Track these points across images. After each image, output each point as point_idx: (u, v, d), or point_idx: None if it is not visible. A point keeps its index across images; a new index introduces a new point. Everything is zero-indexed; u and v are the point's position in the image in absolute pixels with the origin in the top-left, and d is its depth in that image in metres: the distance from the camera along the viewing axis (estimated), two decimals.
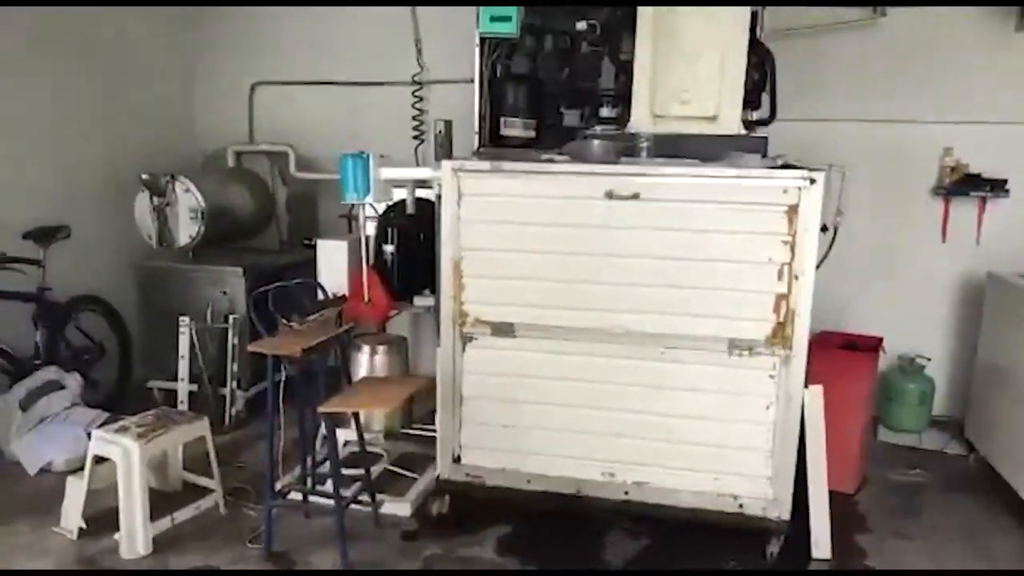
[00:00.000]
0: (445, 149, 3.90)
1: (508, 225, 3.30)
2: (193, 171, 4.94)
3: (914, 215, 4.76)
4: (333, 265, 4.07)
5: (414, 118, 5.34)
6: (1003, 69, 4.47)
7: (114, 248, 4.94)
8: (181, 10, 5.57)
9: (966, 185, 4.58)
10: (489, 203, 3.31)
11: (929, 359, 4.61)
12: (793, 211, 3.03)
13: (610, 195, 3.17)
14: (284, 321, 3.17)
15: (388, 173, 3.76)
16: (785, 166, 3.28)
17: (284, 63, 5.63)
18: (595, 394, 3.33)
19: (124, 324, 4.88)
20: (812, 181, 2.99)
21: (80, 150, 4.86)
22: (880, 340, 4.26)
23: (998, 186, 4.55)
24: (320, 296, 3.43)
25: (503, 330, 3.36)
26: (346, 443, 3.86)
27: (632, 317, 3.25)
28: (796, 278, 3.08)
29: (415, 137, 5.35)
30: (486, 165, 3.29)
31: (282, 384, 3.16)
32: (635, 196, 3.16)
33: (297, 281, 3.25)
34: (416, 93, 5.35)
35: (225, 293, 4.59)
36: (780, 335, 3.14)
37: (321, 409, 2.98)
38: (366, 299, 3.91)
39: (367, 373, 3.90)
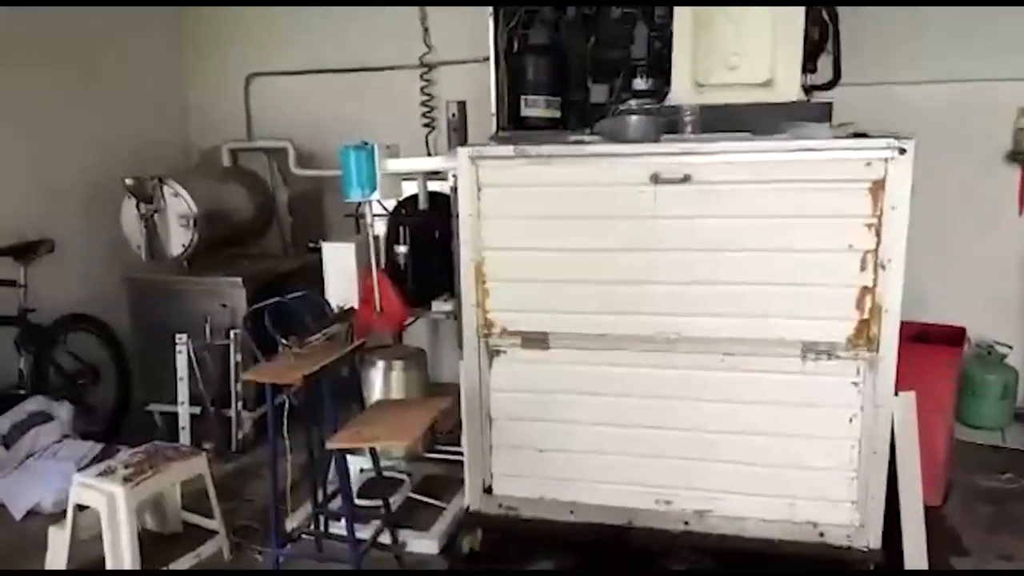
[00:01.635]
0: (460, 135, 3.44)
1: (537, 219, 2.84)
2: (186, 173, 4.52)
3: (986, 185, 4.24)
4: (340, 270, 3.64)
5: (423, 103, 4.88)
6: None
7: (105, 261, 4.54)
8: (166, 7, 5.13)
9: None
10: (513, 194, 2.85)
11: (1011, 347, 4.09)
12: (879, 187, 2.53)
13: (656, 179, 2.70)
14: (284, 342, 2.73)
15: (396, 165, 3.31)
16: (858, 135, 2.78)
17: (280, 52, 5.19)
18: (645, 411, 2.87)
19: (120, 344, 4.48)
20: (902, 151, 2.50)
21: (62, 153, 4.45)
22: (962, 331, 3.75)
23: None
24: (325, 310, 2.97)
25: (535, 341, 2.91)
26: (362, 470, 3.43)
27: (686, 320, 2.78)
28: (882, 267, 2.59)
29: (426, 125, 4.89)
30: (508, 150, 2.82)
31: (286, 407, 2.75)
32: (686, 179, 2.68)
33: (295, 295, 2.80)
34: (424, 76, 4.89)
35: (225, 306, 4.18)
36: (864, 335, 2.65)
37: (329, 445, 2.55)
38: (378, 308, 3.46)
39: (382, 394, 3.46)
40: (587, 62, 3.65)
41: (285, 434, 2.78)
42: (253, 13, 5.16)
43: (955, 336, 3.70)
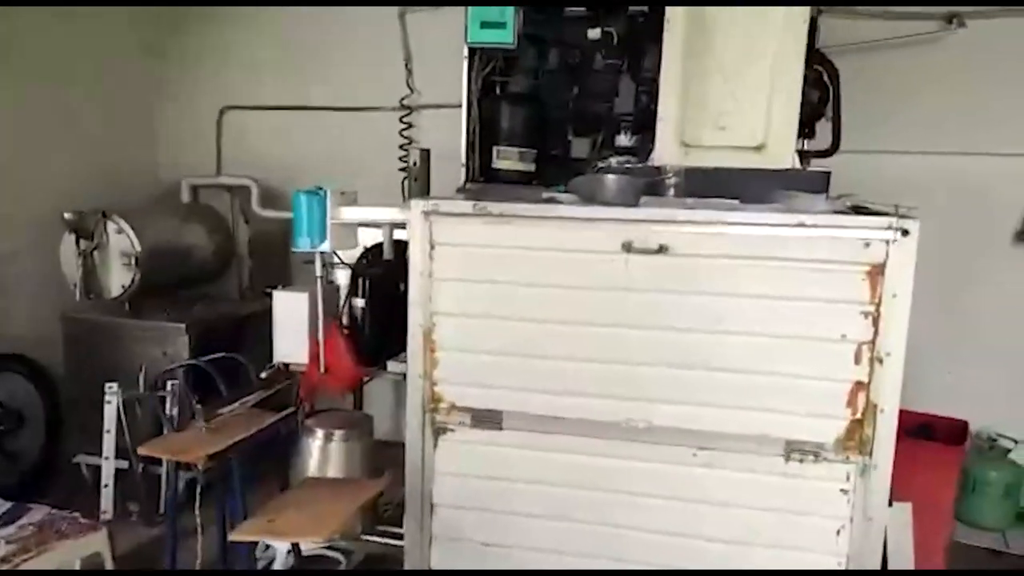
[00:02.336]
0: (421, 185, 3.16)
1: (496, 284, 2.54)
2: (137, 209, 4.22)
3: (993, 267, 3.96)
4: (291, 322, 3.32)
5: (402, 147, 4.62)
6: None
7: (50, 299, 4.19)
8: (141, 23, 4.90)
9: None
10: (471, 255, 2.55)
11: (1016, 441, 3.77)
12: (878, 272, 2.24)
13: (629, 248, 2.40)
14: (200, 406, 2.40)
15: (350, 214, 3.01)
16: (857, 210, 2.51)
17: (257, 86, 4.95)
18: (605, 507, 2.53)
19: (54, 387, 4.13)
20: (904, 232, 2.21)
21: (15, 184, 4.13)
22: (964, 425, 3.43)
23: None
24: (253, 373, 2.65)
25: (487, 420, 2.58)
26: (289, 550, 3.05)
27: (657, 407, 2.46)
28: (879, 361, 2.28)
29: (402, 169, 4.63)
30: (467, 206, 2.53)
31: (198, 485, 2.41)
32: (661, 250, 2.38)
33: (213, 357, 2.48)
34: (404, 119, 4.64)
35: (165, 354, 3.84)
36: (856, 437, 2.33)
37: (232, 536, 2.19)
38: (322, 368, 3.14)
39: (318, 468, 3.10)
40: (568, 114, 3.40)
41: (197, 511, 2.44)
42: (231, 44, 4.94)
43: (956, 431, 3.37)
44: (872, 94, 3.82)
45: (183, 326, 3.86)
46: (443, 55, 4.32)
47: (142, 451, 2.28)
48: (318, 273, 3.16)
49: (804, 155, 2.91)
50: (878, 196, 2.88)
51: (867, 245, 2.24)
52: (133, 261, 3.78)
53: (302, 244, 3.05)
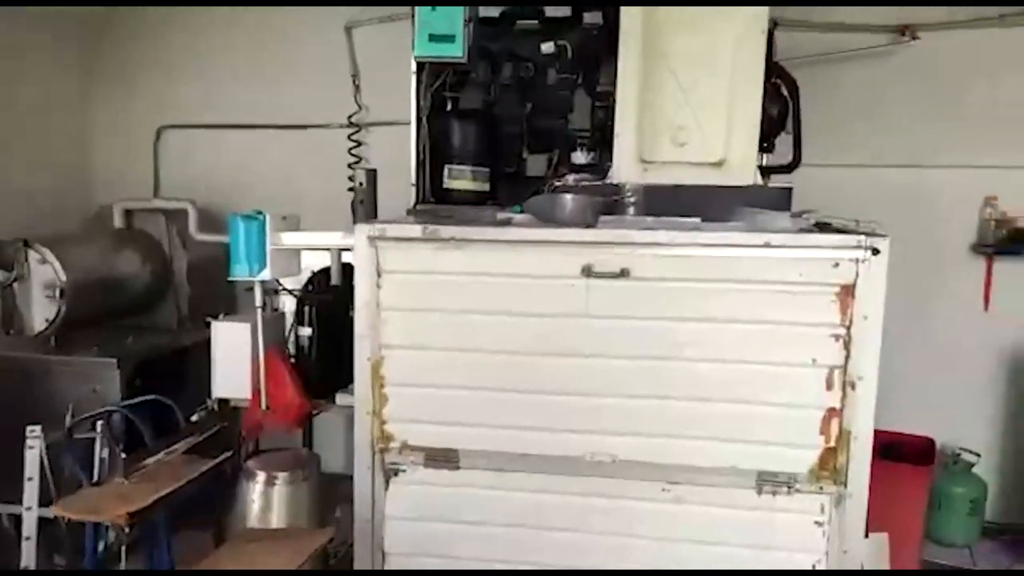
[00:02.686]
0: (367, 207, 2.98)
1: (448, 314, 2.38)
2: (63, 236, 3.94)
3: (950, 278, 3.94)
4: (232, 354, 3.11)
5: (351, 166, 4.42)
6: None
7: None
8: (75, 34, 4.61)
9: (1016, 242, 3.76)
10: (421, 283, 2.38)
11: (979, 455, 3.73)
12: (848, 293, 2.14)
13: (588, 272, 2.27)
14: (124, 456, 2.18)
15: (292, 239, 2.82)
16: (822, 227, 2.42)
17: (196, 103, 4.70)
18: (573, 549, 2.37)
19: None
20: (874, 251, 2.12)
21: None
22: (931, 443, 3.37)
23: None
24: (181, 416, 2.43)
25: (442, 459, 2.41)
26: None
27: (622, 440, 2.32)
28: (851, 386, 2.18)
29: (351, 189, 4.43)
30: (415, 230, 2.36)
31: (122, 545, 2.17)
32: (622, 273, 2.25)
33: (136, 401, 2.26)
34: (353, 137, 4.45)
35: (95, 391, 3.56)
36: (830, 466, 2.23)
37: None
38: (263, 405, 2.93)
39: (259, 518, 2.87)
40: (523, 130, 3.26)
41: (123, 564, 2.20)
42: (168, 59, 4.69)
43: (924, 449, 3.31)
44: (827, 108, 3.77)
45: (114, 361, 3.58)
46: (392, 70, 4.14)
47: (55, 511, 2.04)
48: (257, 303, 2.96)
49: (765, 171, 2.82)
50: (835, 211, 2.82)
51: (836, 265, 2.14)
52: (58, 293, 3.50)
53: (239, 272, 2.85)
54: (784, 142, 3.04)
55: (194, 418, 2.54)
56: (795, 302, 2.18)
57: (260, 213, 2.83)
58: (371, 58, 4.41)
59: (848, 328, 2.15)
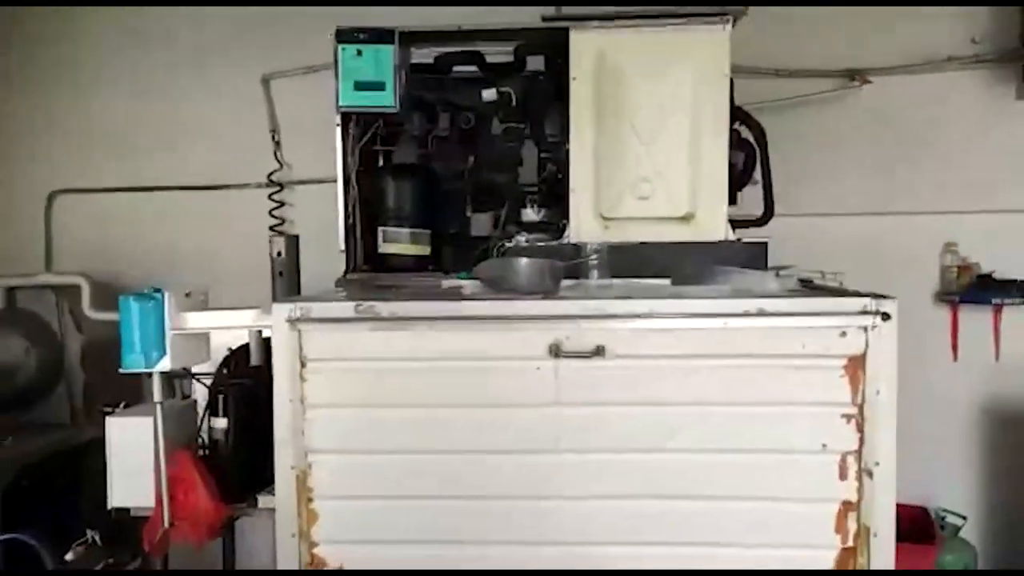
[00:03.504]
0: (288, 281, 2.57)
1: (389, 409, 1.97)
2: None
3: (917, 328, 3.73)
4: (132, 454, 2.59)
5: (272, 229, 4.00)
6: (1006, 146, 3.63)
7: None
8: None
9: (979, 290, 3.62)
10: (355, 372, 1.98)
11: (964, 518, 3.49)
12: (857, 366, 1.85)
13: (556, 351, 1.90)
14: None
15: (197, 320, 2.37)
16: (805, 284, 2.15)
17: (94, 165, 4.19)
18: None
19: None
20: (884, 316, 1.83)
21: None
22: (925, 513, 3.10)
23: (1016, 288, 3.60)
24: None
25: None
26: None
27: (601, 551, 1.94)
28: (868, 474, 1.87)
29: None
30: (346, 308, 1.97)
31: None
32: (598, 352, 1.90)
33: None
34: (274, 197, 4.03)
35: None
36: (849, 569, 1.89)
37: None
38: (166, 522, 2.42)
39: None
40: (465, 186, 2.93)
41: None
42: (62, 117, 4.19)
43: (920, 521, 3.03)
44: (778, 156, 3.60)
45: None
46: (316, 124, 3.78)
47: None
48: (156, 398, 2.48)
49: (735, 224, 2.56)
50: (793, 262, 2.61)
51: (843, 334, 1.84)
52: None
53: (132, 363, 2.37)
54: (749, 194, 2.80)
55: (69, 556, 2.02)
56: (798, 378, 1.87)
57: (157, 291, 2.38)
58: (292, 112, 4.03)
59: (860, 407, 1.85)
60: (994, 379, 3.69)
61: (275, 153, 4.07)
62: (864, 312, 1.83)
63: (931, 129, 3.65)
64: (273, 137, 4.08)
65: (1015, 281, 3.61)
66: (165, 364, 2.37)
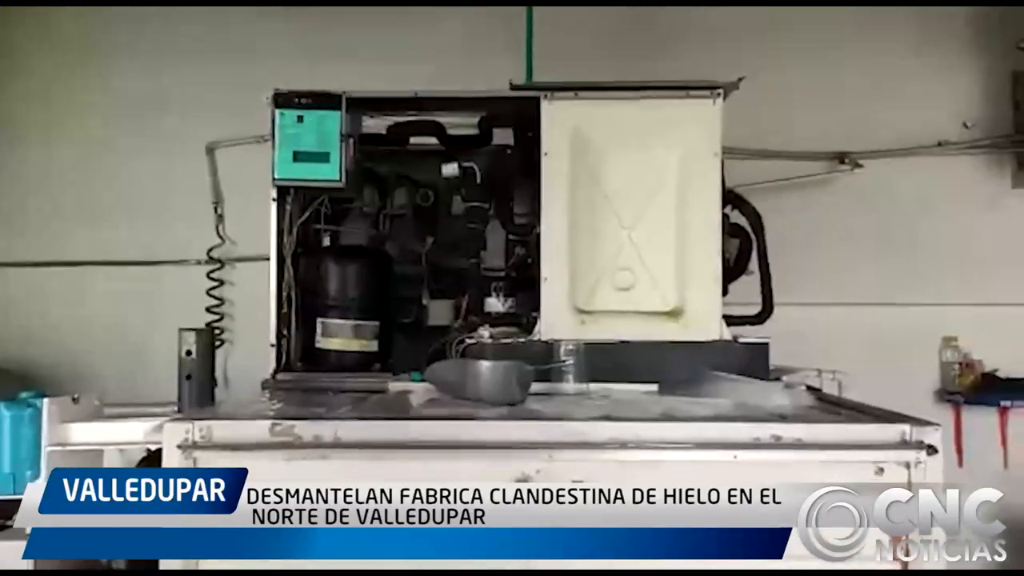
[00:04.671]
0: (198, 386, 2.14)
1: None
2: None
3: None
4: None
5: (211, 310, 3.58)
6: (1003, 235, 3.41)
7: None
8: None
9: (985, 390, 3.32)
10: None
11: None
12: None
13: (526, 483, 1.51)
14: None
15: (82, 434, 1.93)
16: (823, 397, 1.81)
17: (25, 237, 3.74)
18: None
19: None
20: (931, 450, 1.48)
21: None
22: None
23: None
24: None
25: None
26: None
27: None
28: None
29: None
30: (258, 429, 1.55)
31: None
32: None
33: None
34: (213, 275, 3.62)
35: None
36: None
37: None
38: None
39: None
40: (422, 271, 2.57)
41: None
42: None
43: None
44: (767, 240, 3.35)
45: None
46: (263, 197, 3.43)
47: None
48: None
49: (728, 321, 2.22)
50: (785, 354, 2.29)
51: (879, 471, 1.48)
52: None
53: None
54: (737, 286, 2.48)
55: None
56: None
57: (39, 396, 1.95)
58: (236, 183, 3.67)
59: (904, 561, 1.47)
60: (1003, 488, 3.36)
61: (217, 227, 3.70)
62: (905, 444, 1.48)
63: (924, 217, 3.43)
64: (216, 210, 3.71)
65: (1022, 380, 3.32)
66: (39, 483, 1.91)
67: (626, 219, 2.25)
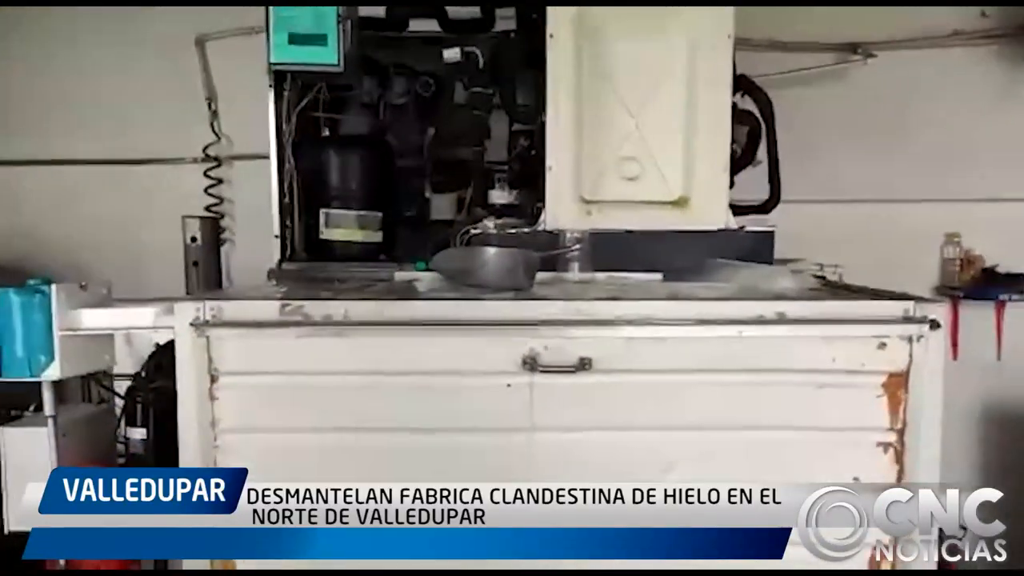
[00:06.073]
0: (204, 272, 2.16)
1: (323, 434, 1.58)
2: None
3: None
4: (30, 473, 2.17)
5: (209, 209, 3.54)
6: (1016, 130, 3.34)
7: None
8: None
9: (983, 284, 3.35)
10: (280, 390, 1.58)
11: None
12: (899, 384, 1.52)
13: (532, 365, 1.54)
14: None
15: (93, 319, 1.95)
16: (828, 283, 1.82)
17: (19, 136, 3.67)
18: None
19: None
20: (934, 324, 1.50)
21: None
22: None
23: (1022, 283, 3.34)
24: None
25: None
26: None
27: None
28: None
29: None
30: (269, 309, 1.57)
31: None
32: (583, 365, 1.53)
33: None
34: (210, 173, 3.57)
35: None
36: None
37: None
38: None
39: None
40: (424, 163, 2.54)
41: None
42: None
43: None
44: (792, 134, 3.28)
45: None
46: (258, 92, 3.35)
47: None
48: (48, 411, 2.06)
49: (739, 210, 2.22)
50: (784, 252, 2.30)
51: (882, 345, 1.51)
52: None
53: (13, 370, 1.95)
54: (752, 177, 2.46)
55: None
56: (826, 398, 1.54)
57: (46, 283, 1.96)
58: (231, 78, 3.56)
59: (900, 433, 1.52)
60: (996, 378, 3.44)
61: (211, 124, 3.61)
62: (908, 319, 1.50)
63: (934, 110, 3.34)
64: (209, 106, 3.61)
65: (1021, 275, 3.34)
66: (53, 372, 1.95)
67: (633, 107, 2.20)
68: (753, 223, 2.26)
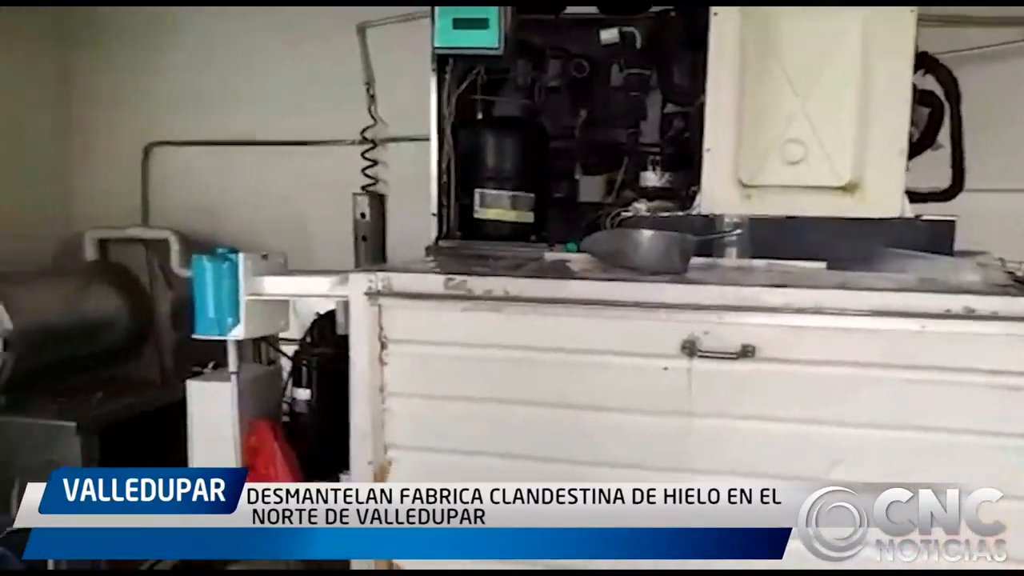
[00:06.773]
0: (372, 246, 2.29)
1: (481, 405, 1.65)
2: (31, 272, 3.33)
3: None
4: (212, 423, 2.43)
5: (365, 189, 3.74)
6: None
7: None
8: (51, 40, 4.03)
9: None
10: (442, 359, 1.66)
11: None
12: None
13: (691, 350, 1.52)
14: None
15: (274, 286, 2.13)
16: (1021, 281, 1.67)
17: (189, 116, 4.05)
18: None
19: None
20: None
21: None
22: None
23: None
24: None
25: None
26: None
27: None
28: None
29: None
30: (435, 282, 1.65)
31: None
32: (745, 353, 1.50)
33: None
34: (367, 155, 3.76)
35: (52, 463, 2.89)
36: None
37: None
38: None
39: None
40: (576, 145, 2.55)
41: None
42: (158, 66, 4.06)
43: None
44: (978, 116, 3.00)
45: (73, 425, 2.91)
46: (413, 77, 3.47)
47: None
48: (232, 368, 2.27)
49: (915, 198, 2.07)
50: (969, 245, 2.10)
51: None
52: (1, 344, 2.86)
53: (205, 328, 2.16)
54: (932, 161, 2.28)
55: None
56: (1011, 402, 1.41)
57: (233, 252, 2.15)
58: (389, 63, 3.72)
59: None
60: None
61: (369, 108, 3.80)
62: None
63: None
64: (368, 90, 3.80)
65: None
66: (239, 332, 2.15)
67: (800, 85, 2.09)
68: (930, 212, 2.11)
